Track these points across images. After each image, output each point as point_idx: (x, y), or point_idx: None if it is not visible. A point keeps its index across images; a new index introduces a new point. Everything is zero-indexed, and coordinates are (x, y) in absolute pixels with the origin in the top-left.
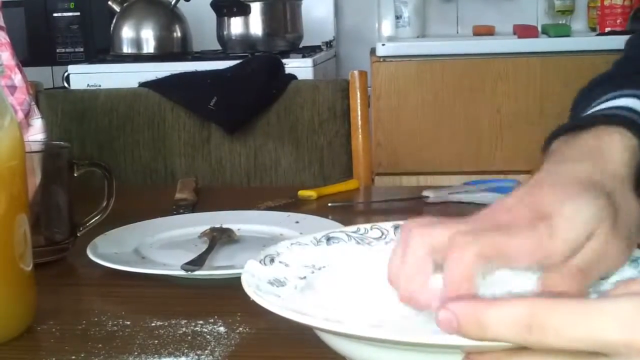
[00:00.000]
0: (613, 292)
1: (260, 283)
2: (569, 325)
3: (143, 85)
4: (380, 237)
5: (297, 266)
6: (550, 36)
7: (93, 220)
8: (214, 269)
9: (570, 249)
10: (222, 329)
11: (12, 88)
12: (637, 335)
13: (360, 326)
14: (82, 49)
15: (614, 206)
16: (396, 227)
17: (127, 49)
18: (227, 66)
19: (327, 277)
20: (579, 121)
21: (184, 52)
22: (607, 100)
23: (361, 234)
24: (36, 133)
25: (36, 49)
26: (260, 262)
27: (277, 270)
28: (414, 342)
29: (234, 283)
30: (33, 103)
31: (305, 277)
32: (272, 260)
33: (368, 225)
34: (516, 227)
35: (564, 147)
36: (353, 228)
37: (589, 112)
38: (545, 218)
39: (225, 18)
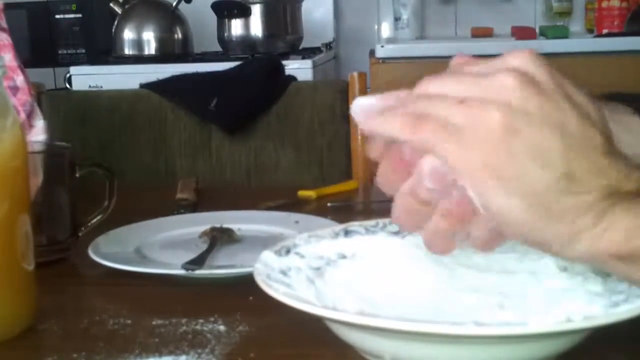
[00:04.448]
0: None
1: (272, 272)
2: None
3: (144, 86)
4: (398, 231)
5: (312, 257)
6: (548, 38)
7: (94, 220)
8: (215, 269)
9: None
10: (222, 327)
11: (15, 89)
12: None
13: (353, 314)
14: (83, 51)
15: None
16: None
17: (128, 51)
18: (228, 67)
19: (340, 268)
20: None
21: (184, 53)
22: None
23: (380, 228)
24: (38, 134)
25: (38, 51)
26: (275, 252)
27: (291, 260)
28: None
29: (234, 282)
30: (35, 104)
31: (319, 268)
32: (288, 251)
33: (387, 220)
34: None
35: None
36: (372, 222)
37: None
38: None
39: (226, 20)
